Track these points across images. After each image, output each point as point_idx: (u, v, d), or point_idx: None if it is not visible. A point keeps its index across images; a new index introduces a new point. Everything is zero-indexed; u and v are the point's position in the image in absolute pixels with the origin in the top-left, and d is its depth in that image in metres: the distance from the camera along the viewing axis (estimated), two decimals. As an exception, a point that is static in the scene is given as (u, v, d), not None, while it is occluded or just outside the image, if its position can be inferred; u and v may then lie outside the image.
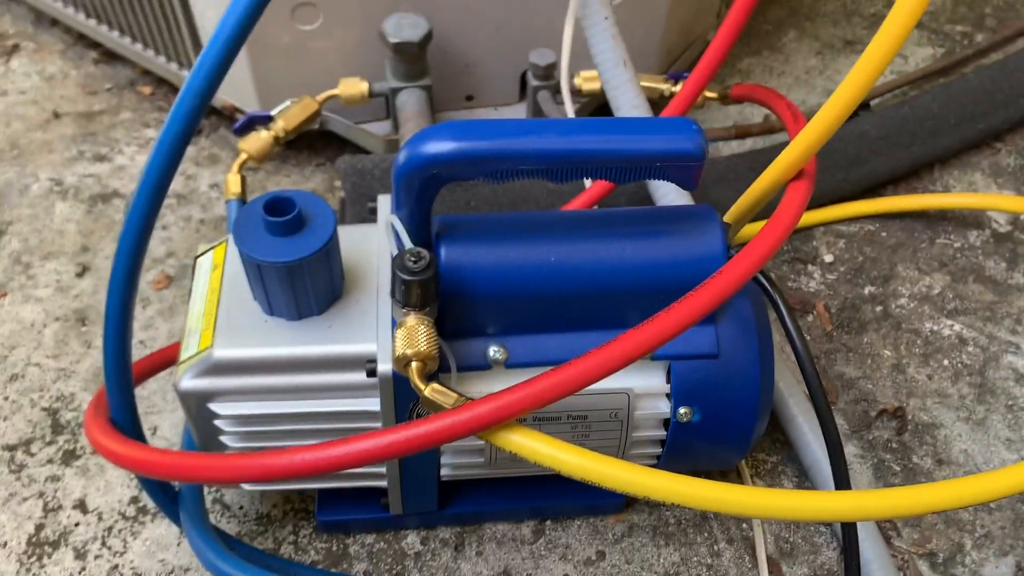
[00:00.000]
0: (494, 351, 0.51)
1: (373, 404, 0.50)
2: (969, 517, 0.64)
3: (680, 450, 0.56)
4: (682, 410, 0.54)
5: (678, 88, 0.71)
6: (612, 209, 0.55)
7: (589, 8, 0.64)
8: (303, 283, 0.48)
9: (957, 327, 0.75)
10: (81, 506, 0.63)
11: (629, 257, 0.50)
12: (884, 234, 0.82)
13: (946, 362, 0.73)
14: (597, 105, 0.83)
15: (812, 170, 0.52)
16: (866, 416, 0.69)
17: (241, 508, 0.63)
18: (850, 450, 0.67)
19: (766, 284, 0.54)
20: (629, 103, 0.66)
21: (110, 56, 0.97)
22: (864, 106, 0.91)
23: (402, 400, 0.50)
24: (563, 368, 0.42)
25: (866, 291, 0.78)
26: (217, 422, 0.50)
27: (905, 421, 0.69)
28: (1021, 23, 1.03)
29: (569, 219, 0.53)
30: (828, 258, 0.80)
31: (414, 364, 0.45)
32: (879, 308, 0.76)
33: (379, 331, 0.49)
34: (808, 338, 0.74)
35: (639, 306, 0.50)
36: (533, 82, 0.80)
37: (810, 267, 0.79)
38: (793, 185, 0.51)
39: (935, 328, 0.75)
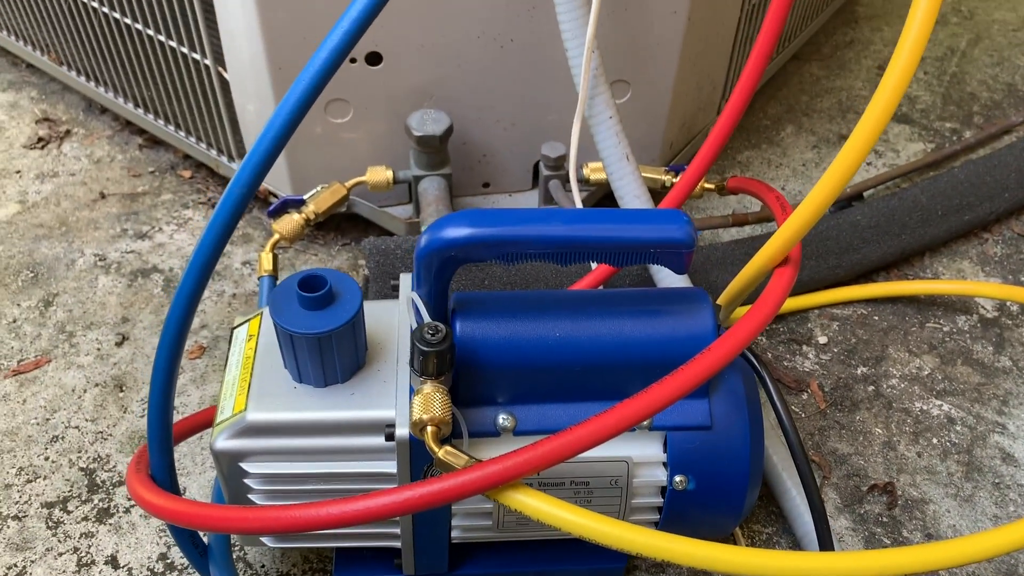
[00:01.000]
0: (503, 419, 0.56)
1: (391, 466, 0.55)
2: (957, 590, 0.66)
3: (677, 516, 0.60)
4: (678, 478, 0.57)
5: (677, 180, 0.77)
6: (613, 290, 0.60)
7: (595, 108, 0.70)
8: (331, 353, 0.53)
9: (946, 407, 0.79)
10: (113, 562, 0.67)
11: (627, 334, 0.55)
12: (876, 318, 0.87)
13: (935, 440, 0.76)
14: (604, 193, 0.89)
15: (797, 256, 0.56)
16: (858, 491, 0.73)
17: (263, 567, 0.67)
18: (842, 523, 0.70)
19: (755, 363, 0.59)
20: (631, 193, 0.72)
21: (154, 141, 1.05)
22: (857, 197, 0.96)
23: (417, 463, 0.54)
24: (564, 434, 0.46)
25: (859, 371, 0.82)
26: (247, 480, 0.55)
27: (895, 496, 0.72)
28: (1007, 121, 1.10)
29: (573, 298, 0.58)
30: (822, 339, 0.84)
31: (429, 429, 0.49)
32: (871, 388, 0.80)
33: (397, 398, 0.54)
34: (802, 415, 0.78)
35: (637, 379, 0.54)
36: (545, 172, 0.86)
37: (805, 348, 0.84)
38: (779, 271, 0.55)
39: (925, 408, 0.79)
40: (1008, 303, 0.88)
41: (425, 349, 0.49)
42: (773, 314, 0.53)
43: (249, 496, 0.56)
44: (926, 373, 0.82)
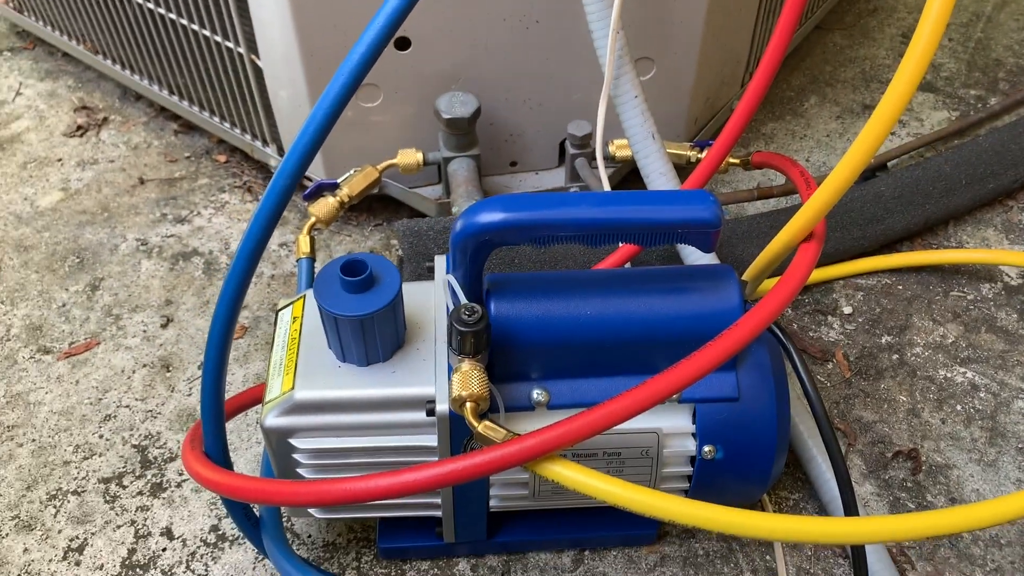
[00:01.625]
0: (537, 394, 0.58)
1: (431, 440, 0.57)
2: (980, 552, 0.68)
3: (706, 485, 0.62)
4: (706, 448, 0.60)
5: (703, 155, 0.78)
6: (641, 268, 0.62)
7: (621, 88, 0.72)
8: (372, 334, 0.55)
9: (970, 374, 0.80)
10: (168, 533, 0.70)
11: (656, 311, 0.57)
12: (900, 287, 0.88)
13: (959, 407, 0.78)
14: (629, 169, 0.90)
15: (821, 231, 0.58)
16: (883, 457, 0.74)
17: (309, 537, 0.70)
18: (867, 489, 0.72)
19: (780, 335, 0.60)
20: (657, 171, 0.73)
21: (189, 127, 1.08)
22: (882, 167, 0.97)
23: (457, 437, 0.57)
24: (597, 408, 0.49)
25: (883, 340, 0.83)
26: (296, 455, 0.58)
27: (920, 462, 0.74)
28: (1033, 87, 1.09)
29: (603, 277, 0.60)
30: (847, 310, 0.86)
31: (468, 404, 0.52)
32: (895, 356, 0.82)
33: (437, 376, 0.56)
34: (828, 384, 0.80)
35: (666, 354, 0.56)
36: (571, 150, 0.87)
37: (830, 318, 0.85)
38: (804, 246, 0.57)
39: (949, 375, 0.80)
40: (1033, 270, 0.89)
41: (462, 329, 0.52)
42: (798, 290, 0.54)
43: (298, 470, 0.59)
44: (950, 341, 0.83)
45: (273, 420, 0.56)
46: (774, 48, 0.67)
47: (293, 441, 0.57)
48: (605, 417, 0.49)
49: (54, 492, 0.73)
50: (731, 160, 0.81)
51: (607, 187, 0.79)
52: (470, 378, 0.52)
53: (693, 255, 0.75)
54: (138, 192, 1.00)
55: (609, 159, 0.84)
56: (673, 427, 0.59)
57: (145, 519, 0.71)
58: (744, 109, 0.70)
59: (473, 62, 0.83)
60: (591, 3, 0.69)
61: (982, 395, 0.79)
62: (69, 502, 0.72)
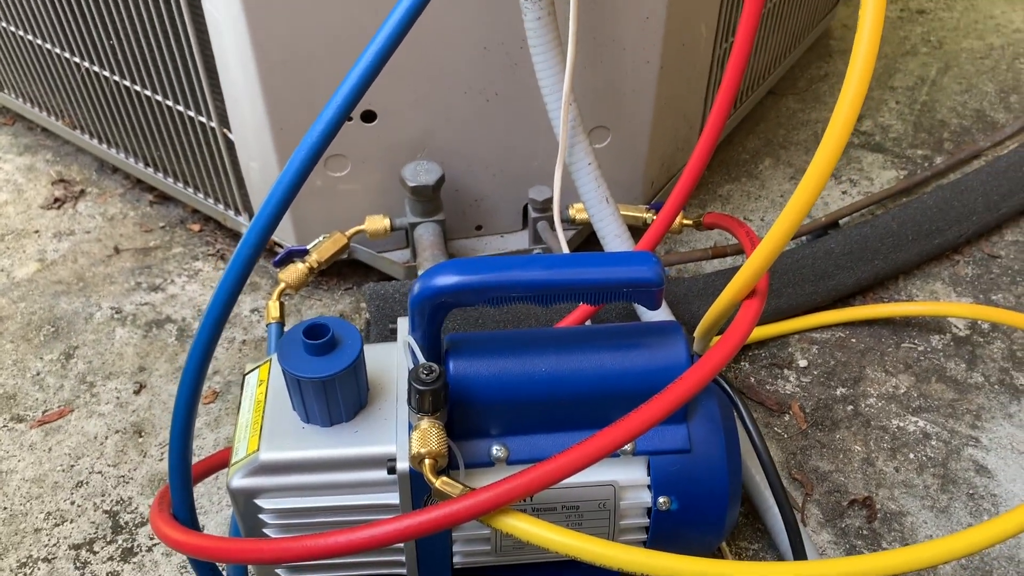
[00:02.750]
0: (496, 450, 0.60)
1: (394, 498, 0.59)
2: (935, 597, 0.70)
3: (663, 536, 0.64)
4: (661, 499, 0.62)
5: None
6: (594, 326, 0.65)
7: (575, 156, 0.76)
8: (335, 394, 0.57)
9: (921, 423, 0.83)
10: (137, 598, 0.71)
11: (607, 367, 0.60)
12: (854, 340, 0.91)
13: (912, 455, 0.80)
14: (590, 231, 0.94)
15: (763, 288, 0.61)
16: (839, 506, 0.77)
17: (278, 598, 0.71)
18: (824, 537, 0.74)
19: (728, 389, 0.63)
20: (612, 233, 0.77)
21: (164, 197, 1.11)
22: (833, 225, 1.01)
23: (418, 494, 0.58)
24: (550, 461, 0.51)
25: (838, 392, 0.86)
26: (262, 516, 0.59)
27: (874, 510, 0.76)
28: (976, 146, 1.15)
29: (557, 335, 0.63)
30: (803, 363, 0.89)
31: (427, 462, 0.54)
32: (850, 407, 0.85)
33: (398, 434, 0.58)
34: (785, 435, 0.82)
35: (618, 408, 0.58)
36: (533, 214, 0.91)
37: (786, 371, 0.88)
38: (747, 303, 0.60)
39: (901, 424, 0.83)
40: (979, 322, 0.92)
41: (420, 388, 0.54)
42: (740, 344, 0.57)
43: (264, 531, 0.60)
44: (902, 391, 0.86)
45: (239, 481, 0.58)
46: (715, 117, 0.72)
47: (259, 502, 0.59)
48: (558, 469, 0.51)
49: (24, 560, 0.73)
50: (685, 221, 0.84)
51: (566, 249, 0.82)
52: (429, 436, 0.54)
53: (648, 312, 0.78)
54: (113, 262, 1.02)
55: (569, 222, 0.88)
56: (629, 479, 0.61)
57: (115, 585, 0.72)
58: (690, 174, 0.74)
59: (437, 132, 0.87)
60: (544, 77, 0.73)
61: (933, 443, 0.81)
62: (39, 570, 0.73)
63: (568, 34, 0.71)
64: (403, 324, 0.66)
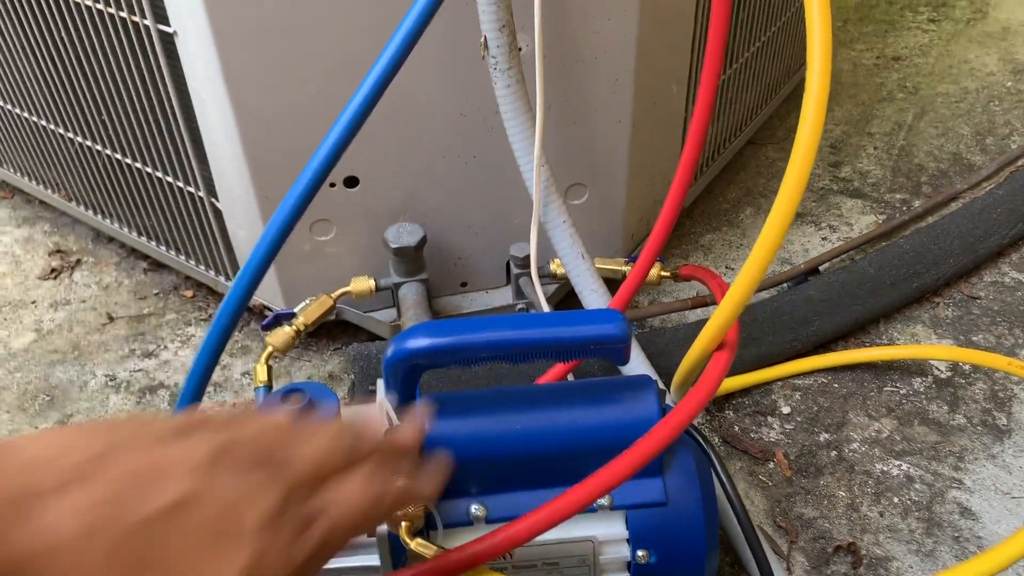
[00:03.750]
0: (475, 508, 0.61)
1: (374, 560, 0.60)
2: (923, 643, 0.70)
3: (643, 589, 0.64)
4: (640, 553, 0.62)
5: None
6: (567, 382, 0.67)
7: (549, 215, 0.78)
8: (313, 458, 0.59)
9: (905, 467, 0.84)
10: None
11: (580, 422, 0.61)
12: (836, 385, 0.92)
13: (896, 500, 0.81)
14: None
15: (733, 340, 0.62)
16: (824, 553, 0.77)
17: (266, 662, 0.71)
18: (811, 585, 0.75)
19: (701, 441, 0.64)
20: (588, 287, 0.79)
21: (157, 265, 1.13)
22: (813, 272, 1.03)
23: (397, 555, 0.59)
24: (523, 519, 0.52)
25: (821, 438, 0.87)
26: (244, 580, 0.60)
27: (860, 556, 0.76)
28: (953, 188, 1.17)
29: (531, 392, 0.64)
30: (786, 409, 0.90)
31: (403, 524, 0.55)
32: (834, 453, 0.85)
33: (377, 495, 0.59)
34: (769, 483, 0.83)
35: (594, 463, 0.59)
36: (515, 270, 0.93)
37: (770, 418, 0.89)
38: (716, 355, 0.61)
39: (885, 469, 0.84)
40: (960, 363, 0.93)
41: (395, 450, 0.55)
42: (710, 396, 0.58)
43: (247, 595, 0.61)
44: (885, 435, 0.87)
45: (221, 547, 0.59)
46: (682, 173, 0.74)
47: (241, 566, 0.59)
48: (532, 526, 0.52)
49: (15, 631, 0.74)
50: (663, 273, 0.86)
51: (544, 303, 0.84)
52: (405, 497, 0.55)
53: (629, 364, 0.79)
54: (108, 329, 1.04)
55: (551, 276, 0.90)
56: (607, 534, 0.62)
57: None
58: (661, 227, 0.76)
59: (418, 195, 0.89)
60: (516, 141, 0.75)
61: (917, 487, 0.82)
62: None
63: (536, 99, 0.73)
64: (381, 385, 0.68)
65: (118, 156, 0.99)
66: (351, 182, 0.87)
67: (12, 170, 1.21)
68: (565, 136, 0.87)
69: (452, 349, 0.56)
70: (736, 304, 0.58)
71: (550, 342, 0.57)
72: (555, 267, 0.89)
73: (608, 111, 0.87)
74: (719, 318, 0.59)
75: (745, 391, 0.92)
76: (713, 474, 0.65)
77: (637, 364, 0.80)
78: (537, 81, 0.71)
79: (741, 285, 0.57)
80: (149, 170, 0.97)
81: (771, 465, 0.84)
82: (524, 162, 0.76)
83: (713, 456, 0.62)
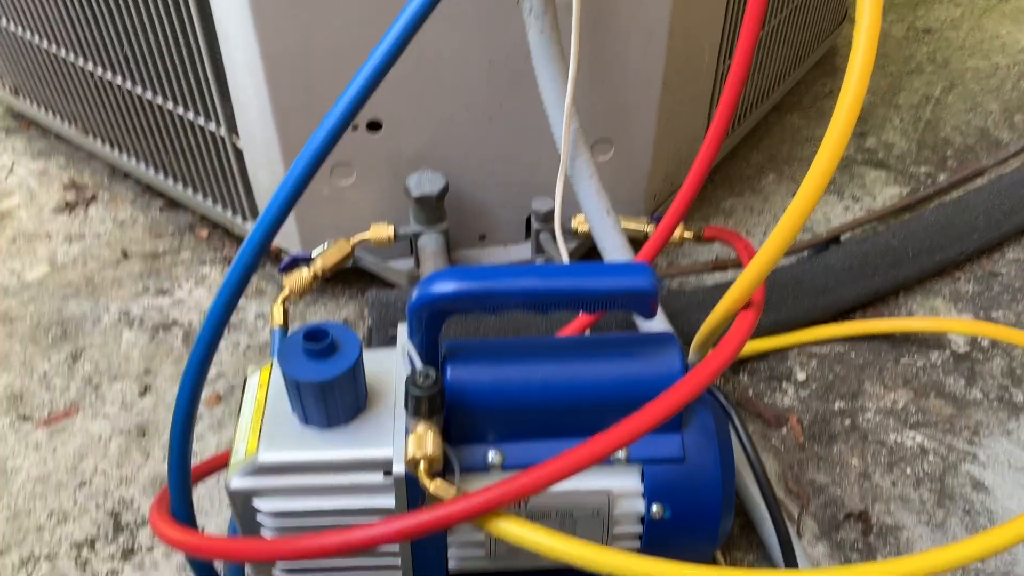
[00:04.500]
0: (492, 455, 0.61)
1: (389, 502, 0.60)
2: (929, 611, 0.70)
3: (656, 544, 0.64)
4: (655, 508, 0.62)
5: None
6: (591, 336, 0.66)
7: (576, 169, 0.77)
8: (333, 398, 0.58)
9: (919, 438, 0.83)
10: (136, 597, 0.72)
11: (603, 375, 0.60)
12: (853, 354, 0.92)
13: (909, 470, 0.81)
14: (592, 243, 0.95)
15: (759, 300, 0.62)
16: (834, 519, 0.77)
17: (275, 599, 0.72)
18: (820, 550, 0.75)
19: (723, 400, 0.64)
20: (612, 245, 0.78)
21: (173, 204, 1.12)
22: (835, 241, 1.02)
23: (413, 497, 0.59)
24: (542, 465, 0.52)
25: (836, 406, 0.86)
26: (259, 517, 0.60)
27: (870, 524, 0.76)
28: (979, 164, 1.15)
29: (555, 344, 0.63)
30: (801, 376, 0.89)
31: (422, 465, 0.55)
32: (847, 421, 0.85)
33: (395, 438, 0.59)
34: (782, 448, 0.83)
35: (613, 416, 0.59)
36: (536, 225, 0.92)
37: (785, 384, 0.89)
38: (742, 315, 0.61)
39: (899, 439, 0.83)
40: (979, 338, 0.93)
41: (417, 393, 0.55)
42: (735, 355, 0.58)
43: (262, 532, 0.61)
44: (900, 406, 0.86)
45: (237, 482, 0.59)
46: (714, 132, 0.72)
47: (256, 503, 0.59)
48: (551, 473, 0.52)
49: (27, 557, 0.74)
50: (685, 234, 0.85)
51: (566, 260, 0.83)
52: (424, 440, 0.55)
53: (646, 322, 0.79)
54: (122, 266, 1.04)
55: (572, 233, 0.89)
56: (623, 487, 0.62)
57: (115, 584, 0.73)
58: (688, 189, 0.74)
59: (442, 143, 0.88)
60: (546, 91, 0.74)
61: (931, 458, 0.82)
62: (41, 567, 0.74)
63: (571, 49, 0.72)
64: (403, 330, 0.67)
65: (138, 91, 0.98)
66: (374, 126, 0.86)
67: (29, 101, 1.19)
68: (594, 90, 0.86)
69: (479, 295, 0.55)
70: (768, 261, 0.57)
71: (579, 292, 0.56)
72: (576, 224, 0.88)
73: (640, 66, 0.85)
74: (749, 276, 0.58)
75: (761, 356, 0.91)
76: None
77: (657, 322, 0.79)
78: (573, 28, 0.70)
79: (775, 242, 0.56)
80: (170, 106, 0.95)
81: (784, 431, 0.84)
82: (554, 113, 0.75)
83: (734, 415, 0.62)
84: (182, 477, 0.58)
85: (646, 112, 0.89)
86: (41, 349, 0.94)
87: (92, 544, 0.76)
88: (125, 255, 1.05)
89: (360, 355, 0.59)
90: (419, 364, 0.57)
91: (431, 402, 0.55)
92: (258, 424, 0.61)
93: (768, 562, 0.73)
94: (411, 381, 0.55)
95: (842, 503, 0.78)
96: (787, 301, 0.91)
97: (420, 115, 0.86)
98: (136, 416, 0.86)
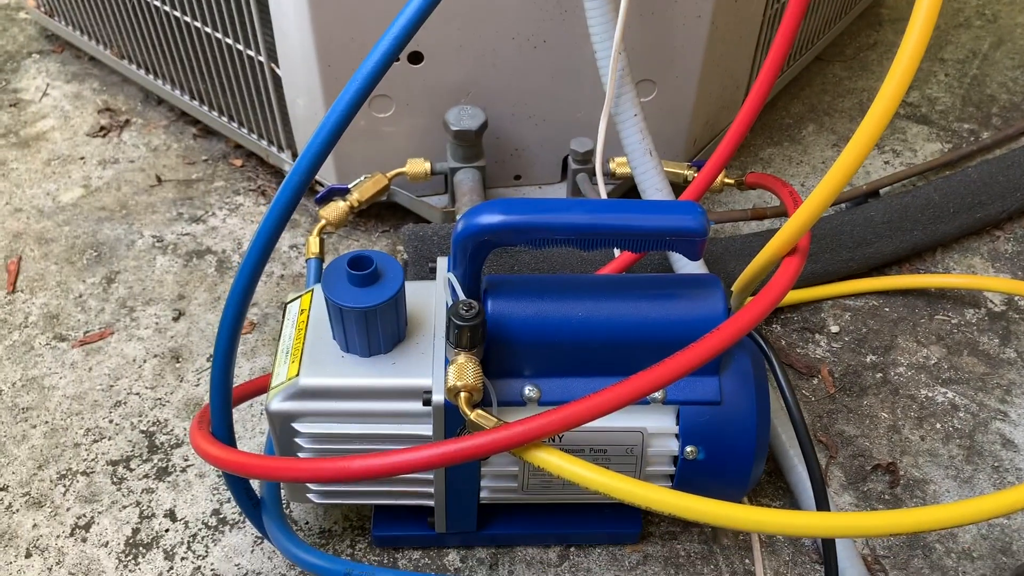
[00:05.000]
0: (529, 390, 0.61)
1: (427, 429, 0.60)
2: (952, 564, 0.71)
3: (687, 484, 0.65)
4: (689, 449, 0.63)
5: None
6: (633, 275, 0.66)
7: (621, 106, 0.76)
8: (375, 326, 0.58)
9: (950, 395, 0.83)
10: (171, 515, 0.73)
11: (644, 315, 0.60)
12: (887, 309, 0.91)
13: (938, 425, 0.81)
14: (629, 186, 0.94)
15: (805, 246, 0.61)
16: (862, 470, 0.77)
17: (307, 523, 0.73)
18: (846, 500, 0.75)
19: (763, 345, 0.64)
20: (654, 187, 0.77)
21: (207, 131, 1.12)
22: (874, 194, 1.00)
23: (451, 426, 0.60)
24: (582, 401, 0.52)
25: (868, 359, 0.86)
26: (298, 439, 0.61)
27: (898, 476, 0.77)
28: (1025, 123, 1.13)
29: (596, 282, 0.63)
30: (834, 328, 0.89)
31: (462, 395, 0.55)
32: (879, 375, 0.85)
33: (434, 368, 0.60)
34: (812, 399, 0.83)
35: (652, 357, 0.59)
36: (573, 166, 0.91)
37: (817, 336, 0.88)
38: (787, 260, 0.60)
39: (930, 395, 0.83)
40: (1016, 298, 0.92)
41: (459, 323, 0.55)
42: (779, 299, 0.57)
43: (299, 455, 0.62)
44: (933, 362, 0.86)
45: (278, 404, 0.60)
46: (764, 77, 0.71)
47: (296, 425, 0.60)
48: (589, 409, 0.52)
49: (64, 472, 0.76)
50: (726, 180, 0.84)
51: (605, 201, 0.83)
52: (465, 370, 0.55)
53: (685, 267, 0.78)
54: (156, 192, 1.04)
55: (609, 176, 0.88)
56: (657, 427, 0.62)
57: (150, 501, 0.74)
58: (735, 133, 0.73)
59: (482, 77, 0.87)
60: (595, 24, 0.73)
61: (961, 415, 0.82)
62: (78, 482, 0.75)
63: (622, -18, 0.70)
64: (442, 263, 0.67)
65: (176, 13, 0.96)
66: (415, 58, 0.85)
67: (64, 23, 1.18)
68: (641, 27, 0.84)
69: (526, 227, 0.55)
70: (819, 205, 0.56)
71: (627, 229, 0.56)
72: (615, 166, 0.87)
73: (689, 3, 0.83)
74: (796, 221, 0.57)
75: (794, 307, 0.91)
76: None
77: (696, 266, 0.79)
78: (628, -40, 0.68)
79: (826, 187, 0.55)
80: (207, 30, 0.94)
81: (815, 381, 0.84)
82: (601, 48, 0.74)
83: (773, 360, 0.61)
84: (224, 396, 0.59)
85: (692, 53, 0.87)
86: (76, 271, 0.94)
87: (128, 462, 0.77)
88: (159, 180, 1.05)
89: (403, 284, 0.59)
90: (462, 295, 0.57)
91: (472, 333, 0.55)
92: (299, 350, 0.61)
93: (795, 508, 0.74)
94: (453, 312, 0.55)
95: (870, 455, 0.78)
96: (824, 253, 0.90)
97: (462, 48, 0.84)
98: (170, 340, 0.87)
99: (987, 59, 1.27)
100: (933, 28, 0.50)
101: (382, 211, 1.01)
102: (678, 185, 0.84)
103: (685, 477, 0.64)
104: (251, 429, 0.79)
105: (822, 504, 0.59)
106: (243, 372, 0.84)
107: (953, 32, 1.33)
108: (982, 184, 0.96)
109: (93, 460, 0.77)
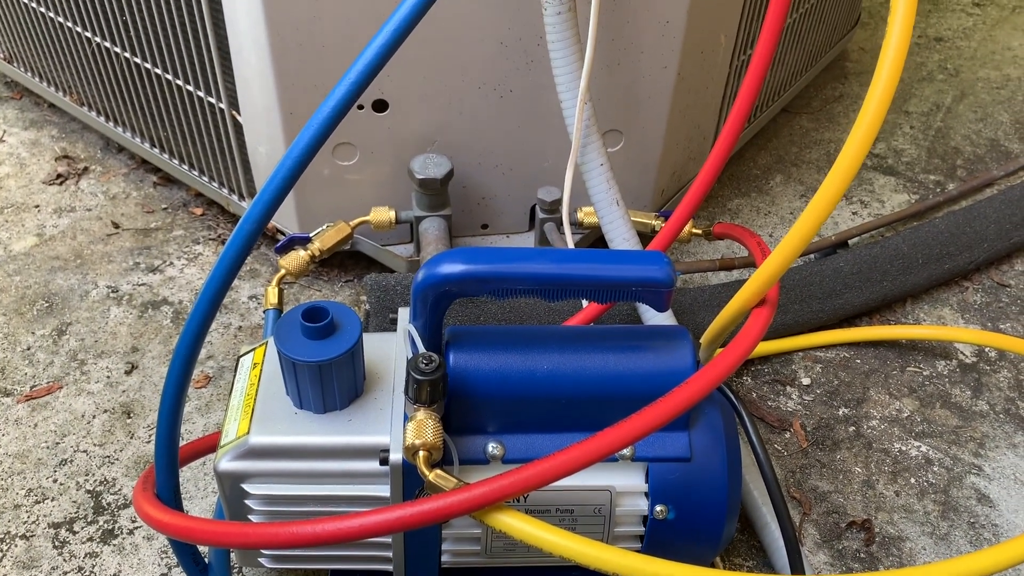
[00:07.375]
0: (492, 447, 0.59)
1: (384, 490, 0.58)
2: (931, 625, 0.68)
3: (658, 545, 0.62)
4: (658, 508, 0.60)
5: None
6: (599, 327, 0.64)
7: (587, 156, 0.75)
8: (330, 380, 0.56)
9: (924, 448, 0.82)
10: (115, 581, 0.69)
11: (611, 368, 0.58)
12: (858, 361, 0.90)
13: (913, 480, 0.79)
14: (597, 236, 0.93)
15: (773, 298, 0.60)
16: (837, 527, 0.75)
17: (259, 588, 0.69)
18: (821, 558, 0.73)
19: (733, 399, 0.62)
20: (620, 236, 0.76)
21: (168, 179, 1.09)
22: (843, 245, 1.00)
23: (410, 487, 0.57)
24: (546, 459, 0.49)
25: (840, 412, 0.85)
26: (248, 501, 0.58)
27: (873, 533, 0.74)
28: (989, 174, 1.14)
29: (561, 333, 0.61)
30: (806, 381, 0.87)
31: (421, 453, 0.52)
32: (852, 428, 0.83)
33: (392, 425, 0.57)
34: (785, 453, 0.81)
35: (620, 411, 0.57)
36: (541, 215, 0.90)
37: (789, 388, 0.87)
38: (756, 311, 0.59)
39: (903, 448, 0.82)
40: (986, 349, 0.91)
41: (419, 378, 0.52)
42: (749, 352, 0.56)
43: (250, 517, 0.59)
44: (905, 415, 0.85)
45: (227, 464, 0.57)
46: (729, 130, 0.71)
47: (246, 486, 0.57)
48: (555, 468, 0.50)
49: (2, 536, 0.72)
50: (694, 230, 0.83)
51: (573, 251, 0.81)
52: (424, 427, 0.53)
53: (654, 317, 0.77)
54: (113, 240, 1.01)
55: (577, 225, 0.87)
56: (626, 485, 0.60)
57: (93, 566, 0.70)
58: (702, 182, 0.72)
59: (448, 126, 0.86)
60: (561, 74, 0.72)
61: (936, 469, 0.80)
62: (17, 546, 0.71)
63: (588, 31, 0.70)
64: (404, 314, 0.65)
65: (137, 60, 0.95)
66: (380, 106, 0.84)
67: (23, 69, 1.16)
68: (607, 77, 0.84)
69: (488, 277, 0.53)
70: (787, 257, 0.55)
71: (592, 280, 0.54)
72: (583, 215, 0.86)
73: (655, 55, 0.83)
74: (765, 272, 0.56)
75: (765, 359, 0.89)
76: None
77: (664, 317, 0.77)
78: (592, 7, 0.67)
79: (794, 238, 0.54)
80: (169, 77, 0.93)
81: (787, 435, 0.82)
82: (567, 97, 0.73)
83: (745, 414, 0.60)
84: (169, 457, 0.56)
85: (659, 103, 0.87)
86: (25, 322, 0.91)
87: (71, 524, 0.73)
88: (116, 227, 1.02)
89: (360, 337, 0.56)
90: (422, 348, 0.54)
91: (433, 387, 0.53)
92: (250, 406, 0.58)
93: (768, 568, 0.72)
94: (412, 365, 0.53)
95: (844, 511, 0.76)
96: (794, 304, 0.89)
97: (428, 96, 0.83)
98: (121, 395, 0.83)
99: (951, 112, 1.29)
100: (898, 81, 0.49)
101: (345, 260, 0.98)
102: (645, 235, 0.83)
103: (655, 538, 0.61)
104: (203, 488, 0.76)
105: (796, 566, 0.57)
106: (196, 428, 0.81)
107: (917, 85, 1.35)
108: (949, 235, 0.96)
109: (34, 523, 0.73)
